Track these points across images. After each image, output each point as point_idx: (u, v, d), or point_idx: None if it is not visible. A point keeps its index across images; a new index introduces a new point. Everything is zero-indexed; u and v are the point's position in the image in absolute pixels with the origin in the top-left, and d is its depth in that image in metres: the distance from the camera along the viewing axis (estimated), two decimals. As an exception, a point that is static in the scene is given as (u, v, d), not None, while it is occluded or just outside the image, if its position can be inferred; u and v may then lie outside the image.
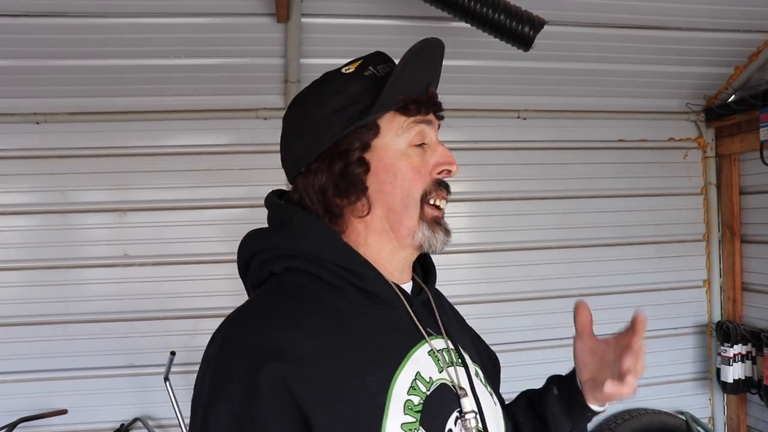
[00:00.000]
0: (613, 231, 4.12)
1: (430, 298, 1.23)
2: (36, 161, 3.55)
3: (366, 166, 1.12)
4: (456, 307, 1.41)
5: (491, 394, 1.23)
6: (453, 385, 1.12)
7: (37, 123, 3.52)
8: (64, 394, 3.50)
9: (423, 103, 1.14)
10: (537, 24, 2.72)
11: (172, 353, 3.24)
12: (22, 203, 3.56)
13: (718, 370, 4.06)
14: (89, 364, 3.55)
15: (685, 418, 4.12)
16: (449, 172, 1.16)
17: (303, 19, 3.10)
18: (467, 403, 1.11)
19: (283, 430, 0.95)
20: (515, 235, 3.93)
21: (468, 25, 2.79)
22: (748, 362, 3.97)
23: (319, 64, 3.26)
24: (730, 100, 4.07)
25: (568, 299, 3.96)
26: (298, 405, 0.95)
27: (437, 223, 1.15)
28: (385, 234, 1.14)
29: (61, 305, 3.55)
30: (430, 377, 1.09)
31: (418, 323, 1.14)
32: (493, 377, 1.34)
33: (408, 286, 1.20)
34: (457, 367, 1.16)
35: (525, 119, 3.98)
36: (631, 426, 3.94)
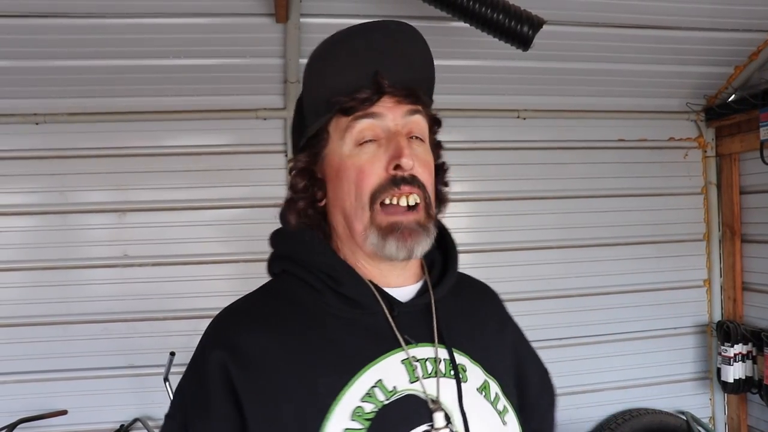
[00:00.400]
0: (613, 231, 4.11)
1: (432, 302, 1.14)
2: (36, 162, 3.55)
3: (318, 178, 1.15)
4: None
5: (499, 414, 1.12)
6: (427, 398, 1.05)
7: (37, 123, 3.51)
8: (65, 395, 3.50)
9: (359, 98, 1.07)
10: (536, 23, 2.72)
11: (172, 354, 3.24)
12: (21, 204, 3.56)
13: (719, 370, 4.06)
14: (89, 365, 3.55)
15: (685, 418, 4.12)
16: (400, 166, 1.06)
17: (302, 19, 3.09)
18: (439, 418, 1.03)
19: (223, 411, 1.04)
20: (515, 235, 3.92)
21: (467, 25, 2.79)
22: (749, 362, 3.96)
23: (318, 64, 3.25)
24: (730, 99, 4.07)
25: (568, 299, 4.01)
26: (236, 393, 1.03)
27: (391, 229, 1.06)
28: (351, 240, 1.12)
29: (61, 306, 3.55)
30: (395, 387, 1.04)
31: (395, 329, 1.08)
32: (517, 396, 1.21)
33: (404, 290, 1.15)
34: (444, 378, 1.08)
35: (524, 119, 3.98)
36: (632, 426, 3.93)
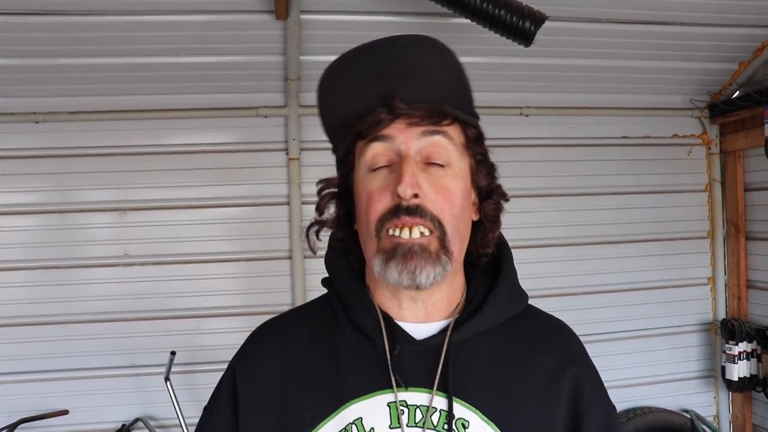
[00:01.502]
0: (616, 228, 4.09)
1: (445, 343, 1.04)
2: (35, 161, 3.54)
3: (345, 201, 1.10)
4: None
5: None
6: None
7: (37, 122, 3.50)
8: (65, 395, 3.49)
9: (368, 120, 1.00)
10: (538, 19, 2.70)
11: (173, 353, 3.23)
12: (21, 203, 3.55)
13: (723, 368, 4.03)
14: (90, 365, 3.54)
15: (689, 417, 4.10)
16: (399, 196, 0.97)
17: (302, 16, 3.08)
18: None
19: (224, 412, 1.11)
20: (517, 233, 3.88)
21: (469, 22, 2.77)
22: (753, 360, 3.94)
23: (319, 61, 3.24)
24: (734, 96, 4.04)
25: (571, 297, 3.99)
26: (237, 398, 1.09)
27: (393, 251, 0.98)
28: (371, 268, 1.06)
29: (62, 305, 3.54)
30: (372, 428, 0.99)
31: (390, 368, 1.02)
32: None
33: (424, 326, 1.06)
34: (432, 430, 1.00)
35: (527, 116, 3.95)
36: (636, 424, 3.92)
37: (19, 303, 3.53)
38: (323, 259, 1.17)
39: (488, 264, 1.15)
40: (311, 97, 3.59)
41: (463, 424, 1.00)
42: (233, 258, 3.69)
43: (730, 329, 4.01)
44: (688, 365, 4.26)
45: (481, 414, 1.01)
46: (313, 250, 1.14)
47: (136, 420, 3.49)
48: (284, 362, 1.09)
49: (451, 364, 1.03)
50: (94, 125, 3.55)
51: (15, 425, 3.20)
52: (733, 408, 4.29)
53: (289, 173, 3.67)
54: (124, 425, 3.48)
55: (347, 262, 1.13)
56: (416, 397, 1.01)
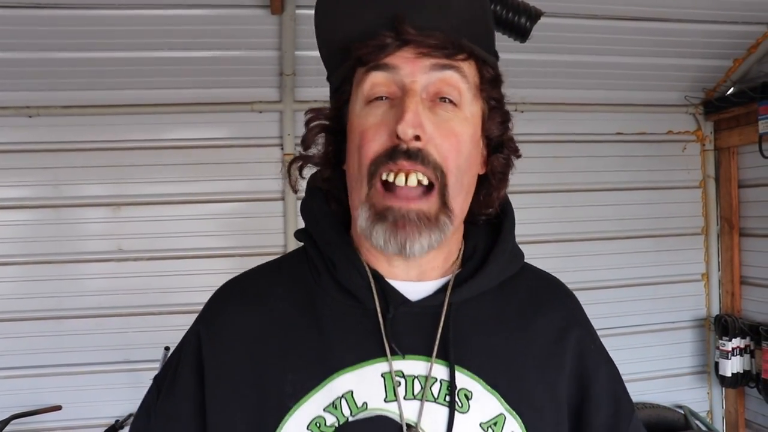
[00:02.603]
0: (611, 224, 4.10)
1: (445, 304, 0.94)
2: (29, 155, 3.52)
3: (336, 136, 0.97)
4: None
5: None
6: (402, 424, 0.88)
7: (30, 116, 3.48)
8: (58, 390, 3.48)
9: (371, 44, 0.87)
10: (534, 15, 2.68)
11: (167, 348, 3.21)
12: (14, 197, 3.53)
13: (717, 364, 4.04)
14: (83, 360, 3.53)
15: (683, 412, 4.11)
16: (399, 137, 0.85)
17: (297, 11, 3.06)
18: None
19: (186, 389, 0.96)
20: (512, 229, 3.90)
21: (465, 17, 2.76)
22: (747, 356, 3.95)
23: (314, 56, 3.21)
24: (728, 92, 4.04)
25: (566, 293, 3.96)
26: (203, 370, 0.95)
27: (383, 214, 0.87)
28: None
29: (55, 300, 3.52)
30: (365, 403, 0.88)
31: (384, 334, 0.90)
32: None
33: (420, 286, 0.96)
34: (432, 403, 0.90)
35: (522, 112, 3.94)
36: (629, 420, 3.92)
37: (12, 298, 3.51)
38: (302, 205, 1.04)
39: (486, 221, 1.05)
40: (306, 93, 3.58)
41: (465, 395, 0.91)
42: (228, 253, 3.68)
43: (723, 325, 4.02)
44: (682, 361, 4.27)
45: (483, 383, 0.92)
46: (294, 189, 1.03)
47: (130, 416, 3.47)
48: (258, 326, 0.95)
49: (451, 327, 0.93)
50: (88, 119, 3.53)
51: (7, 421, 3.19)
52: (726, 403, 4.31)
53: (284, 169, 3.66)
54: (117, 421, 3.47)
55: (329, 210, 0.99)
56: (413, 366, 0.91)
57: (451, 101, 0.90)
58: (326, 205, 1.00)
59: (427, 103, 0.88)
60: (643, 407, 4.02)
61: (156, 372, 3.09)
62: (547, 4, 2.95)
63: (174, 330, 3.57)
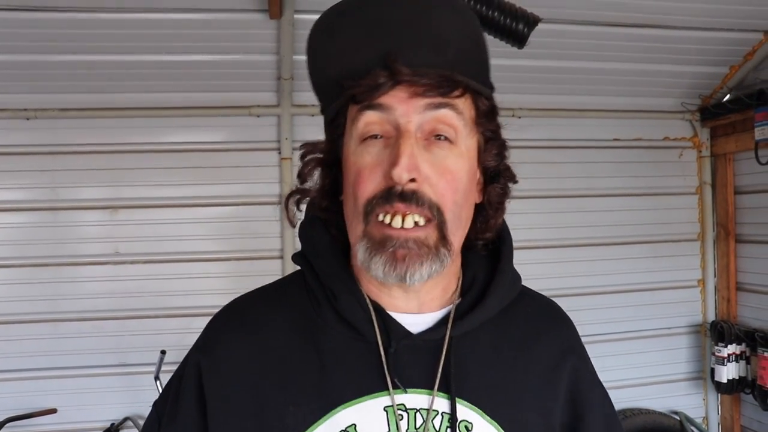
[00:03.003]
0: (607, 230, 4.10)
1: (446, 337, 0.94)
2: (26, 158, 3.52)
3: (332, 168, 0.97)
4: None
5: None
6: None
7: (28, 119, 3.48)
8: (54, 393, 3.47)
9: (364, 83, 0.86)
10: (531, 21, 2.69)
11: (163, 352, 3.21)
12: (12, 200, 3.52)
13: (713, 370, 4.05)
14: (79, 363, 3.52)
15: (679, 418, 4.12)
16: (392, 179, 0.84)
17: (296, 16, 3.07)
18: None
19: (189, 417, 0.96)
20: (509, 234, 3.90)
21: (462, 22, 2.77)
22: (742, 362, 3.96)
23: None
24: (725, 99, 4.06)
25: (561, 299, 3.95)
26: (204, 399, 0.95)
27: (382, 244, 0.86)
28: None
29: (51, 303, 3.52)
30: None
31: (386, 368, 0.90)
32: None
33: (420, 318, 0.96)
34: None
35: (519, 118, 3.96)
36: (626, 426, 3.93)
37: (8, 300, 3.50)
38: (297, 231, 1.03)
39: (483, 246, 1.04)
40: (304, 97, 3.59)
41: (466, 427, 0.92)
42: (225, 257, 3.68)
43: (719, 331, 4.03)
44: (678, 367, 4.28)
45: (483, 414, 0.93)
46: (292, 223, 1.01)
47: (126, 419, 3.47)
48: (258, 356, 0.94)
49: (453, 361, 0.93)
50: (86, 122, 3.53)
51: (2, 424, 3.18)
52: (722, 410, 4.31)
53: (282, 173, 3.67)
54: (113, 424, 3.47)
55: (329, 238, 0.98)
56: (415, 399, 0.91)
57: (446, 138, 0.89)
58: (327, 234, 0.98)
59: (422, 142, 0.87)
60: (639, 413, 4.02)
61: (153, 375, 3.09)
62: (545, 10, 2.96)
63: (170, 333, 3.60)
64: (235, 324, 0.99)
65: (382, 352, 0.91)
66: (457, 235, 0.91)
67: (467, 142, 0.92)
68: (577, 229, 4.06)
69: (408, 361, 0.92)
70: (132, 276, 3.60)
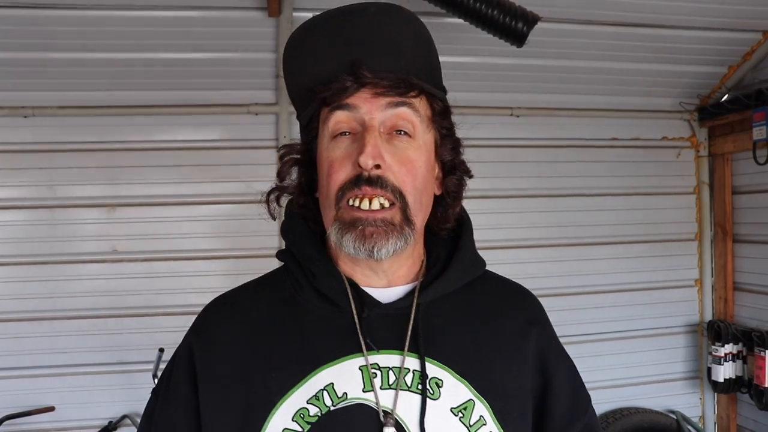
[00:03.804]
0: (605, 229, 4.11)
1: (413, 305, 1.05)
2: (24, 155, 3.51)
3: (308, 167, 1.10)
4: None
5: None
6: (383, 410, 0.97)
7: (26, 117, 3.48)
8: (52, 391, 3.47)
9: (333, 87, 1.00)
10: (530, 20, 2.71)
11: (161, 350, 3.21)
12: (9, 198, 3.52)
13: (709, 370, 4.06)
14: (77, 361, 3.52)
15: (675, 417, 4.13)
16: (360, 166, 0.97)
17: (294, 14, 3.07)
18: None
19: (181, 393, 1.06)
20: (506, 233, 3.91)
21: (461, 21, 2.77)
22: (739, 362, 3.97)
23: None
24: (723, 99, 4.07)
25: (559, 298, 4.00)
26: (195, 376, 1.05)
27: (352, 224, 0.98)
28: None
29: (49, 301, 3.51)
30: (345, 393, 0.98)
31: (359, 332, 1.01)
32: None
33: (389, 291, 1.07)
34: (406, 392, 0.99)
35: (518, 117, 3.96)
36: (622, 425, 3.94)
37: (6, 298, 3.50)
38: (282, 228, 1.15)
39: (448, 233, 1.15)
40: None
41: (437, 383, 1.01)
42: (223, 255, 3.68)
43: (716, 331, 4.04)
44: (675, 366, 4.28)
45: (453, 372, 1.02)
46: (273, 216, 1.12)
47: (123, 417, 3.47)
48: (245, 333, 1.06)
49: (420, 324, 1.03)
50: (84, 120, 3.52)
51: (0, 422, 3.18)
52: (719, 409, 4.32)
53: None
54: (110, 422, 3.46)
55: (308, 229, 1.11)
56: (388, 359, 1.01)
57: (405, 133, 1.02)
58: (305, 225, 1.11)
59: (385, 136, 1.00)
60: (636, 412, 4.03)
61: (151, 373, 3.08)
62: (544, 9, 2.98)
63: (168, 331, 3.60)
64: (224, 309, 1.12)
65: (356, 318, 1.03)
66: (418, 217, 1.03)
67: (424, 137, 1.05)
68: (574, 228, 4.06)
69: (380, 326, 1.03)
70: (130, 274, 3.60)
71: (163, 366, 3.31)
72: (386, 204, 0.98)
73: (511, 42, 2.78)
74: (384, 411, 0.97)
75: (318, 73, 1.02)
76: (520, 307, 1.16)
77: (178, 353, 1.10)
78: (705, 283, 4.30)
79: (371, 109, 0.99)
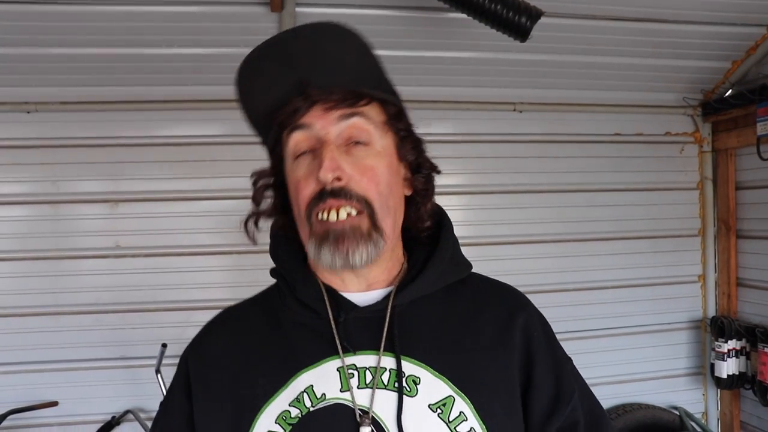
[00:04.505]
0: (608, 225, 4.10)
1: (388, 307, 1.07)
2: (27, 151, 3.51)
3: (280, 189, 1.14)
4: None
5: None
6: (359, 409, 1.00)
7: (28, 112, 3.48)
8: (55, 386, 3.48)
9: (286, 110, 1.05)
10: (534, 14, 2.69)
11: (164, 345, 3.22)
12: (12, 193, 3.52)
13: (712, 366, 4.06)
14: (80, 356, 3.53)
15: (678, 413, 4.12)
16: (319, 180, 1.01)
17: (297, 9, 3.06)
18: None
19: (178, 402, 1.13)
20: (510, 229, 3.91)
21: (464, 16, 2.76)
22: (743, 358, 3.96)
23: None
24: (727, 94, 4.05)
25: (563, 293, 3.99)
26: (189, 384, 1.11)
27: (325, 236, 1.02)
28: None
29: (52, 296, 3.52)
30: (323, 394, 1.01)
31: (336, 335, 1.05)
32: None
33: (367, 295, 1.10)
34: (383, 390, 1.02)
35: (521, 112, 3.95)
36: (625, 421, 3.94)
37: (9, 294, 3.51)
38: (272, 247, 1.20)
39: (429, 237, 1.17)
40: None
41: (414, 381, 1.02)
42: (225, 251, 3.68)
43: (719, 327, 4.03)
44: (678, 362, 4.28)
45: (432, 369, 1.03)
46: (254, 241, 1.17)
47: (126, 412, 3.48)
48: (235, 346, 1.12)
49: (396, 324, 1.06)
50: (86, 116, 3.52)
51: (4, 416, 3.19)
52: (722, 405, 4.32)
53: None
54: (114, 417, 3.47)
55: (289, 247, 1.16)
56: (364, 359, 1.04)
57: (362, 142, 1.05)
58: (286, 243, 1.16)
59: (342, 148, 1.03)
60: (639, 408, 4.03)
61: (154, 369, 3.10)
62: (547, 4, 2.97)
63: (171, 327, 3.60)
64: (217, 325, 1.19)
65: (333, 323, 1.06)
66: (387, 222, 1.05)
67: (382, 142, 1.07)
68: (577, 223, 4.05)
69: (357, 329, 1.06)
70: (133, 269, 3.60)
71: (165, 361, 3.34)
72: (353, 212, 1.01)
73: (515, 37, 2.77)
74: (360, 410, 1.00)
75: (270, 99, 1.07)
76: (504, 305, 1.15)
77: (179, 365, 1.17)
78: (708, 279, 4.29)
79: (325, 124, 1.03)
